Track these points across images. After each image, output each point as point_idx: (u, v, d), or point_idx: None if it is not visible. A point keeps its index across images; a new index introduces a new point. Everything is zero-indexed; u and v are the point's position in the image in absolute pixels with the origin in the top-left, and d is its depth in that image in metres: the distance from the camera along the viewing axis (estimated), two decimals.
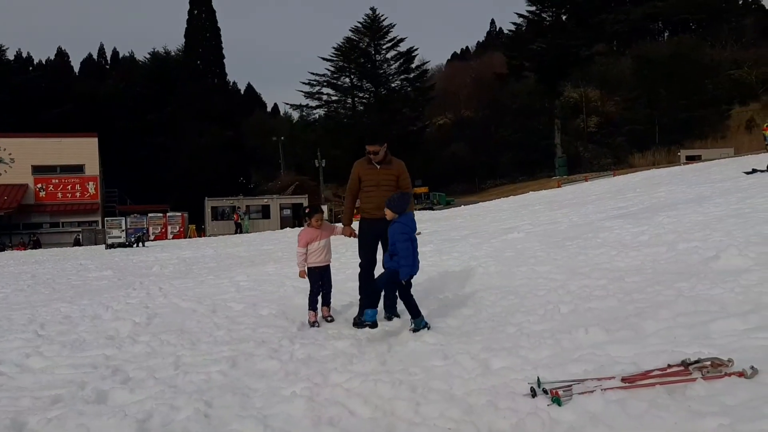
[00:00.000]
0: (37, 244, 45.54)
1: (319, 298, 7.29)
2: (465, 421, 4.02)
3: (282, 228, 44.88)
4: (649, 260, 8.35)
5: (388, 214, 6.34)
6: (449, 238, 14.61)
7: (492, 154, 74.06)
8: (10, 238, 50.99)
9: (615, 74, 76.83)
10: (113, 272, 15.35)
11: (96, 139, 58.54)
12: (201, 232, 52.23)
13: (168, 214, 53.14)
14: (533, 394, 4.35)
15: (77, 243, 46.68)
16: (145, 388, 5.13)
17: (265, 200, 56.30)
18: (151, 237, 47.89)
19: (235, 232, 46.85)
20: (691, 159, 58.75)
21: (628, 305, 6.25)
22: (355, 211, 7.37)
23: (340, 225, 7.39)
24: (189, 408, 4.54)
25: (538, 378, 4.52)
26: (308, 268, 7.25)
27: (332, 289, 7.42)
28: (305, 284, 7.40)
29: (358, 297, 7.05)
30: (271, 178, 79.50)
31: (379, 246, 7.00)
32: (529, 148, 72.56)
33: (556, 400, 4.17)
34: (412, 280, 6.59)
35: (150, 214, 52.29)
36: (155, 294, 9.97)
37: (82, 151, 57.91)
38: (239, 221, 49.66)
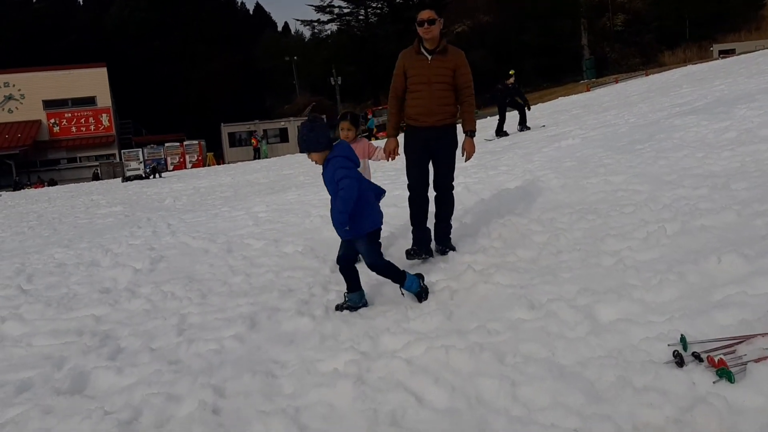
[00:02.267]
0: (52, 183, 44.61)
1: None
2: (595, 415, 2.69)
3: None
4: (750, 160, 6.83)
5: (314, 157, 4.39)
6: (490, 150, 13.09)
7: (514, 61, 70.75)
8: (29, 177, 50.19)
9: None
10: (123, 207, 14.15)
11: (105, 69, 56.61)
12: (220, 160, 50.97)
13: (185, 143, 51.77)
14: (679, 361, 3.00)
15: (96, 177, 45.72)
16: (137, 365, 3.89)
17: (282, 123, 54.53)
18: (170, 167, 46.79)
19: (254, 158, 45.52)
20: (725, 53, 55.68)
21: (755, 220, 4.80)
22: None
23: (380, 146, 5.85)
24: (192, 399, 3.28)
25: (683, 337, 3.16)
26: None
27: None
28: None
29: (410, 227, 5.62)
30: (286, 100, 77.38)
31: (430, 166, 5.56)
32: (552, 53, 69.21)
33: (726, 374, 2.82)
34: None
35: (167, 144, 50.92)
36: (163, 232, 8.69)
37: (93, 82, 56.13)
38: (257, 146, 48.22)
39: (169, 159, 49.22)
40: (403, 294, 4.51)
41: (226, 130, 53.26)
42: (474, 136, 5.45)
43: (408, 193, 5.59)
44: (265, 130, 52.28)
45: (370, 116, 47.95)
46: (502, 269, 4.76)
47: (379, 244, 4.64)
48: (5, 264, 7.65)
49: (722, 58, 48.71)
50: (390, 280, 4.54)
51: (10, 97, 53.74)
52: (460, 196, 7.61)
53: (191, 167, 46.67)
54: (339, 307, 4.52)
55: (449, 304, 4.27)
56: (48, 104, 54.63)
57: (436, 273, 5.00)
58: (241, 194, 13.88)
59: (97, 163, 50.90)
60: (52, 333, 4.76)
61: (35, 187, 41.70)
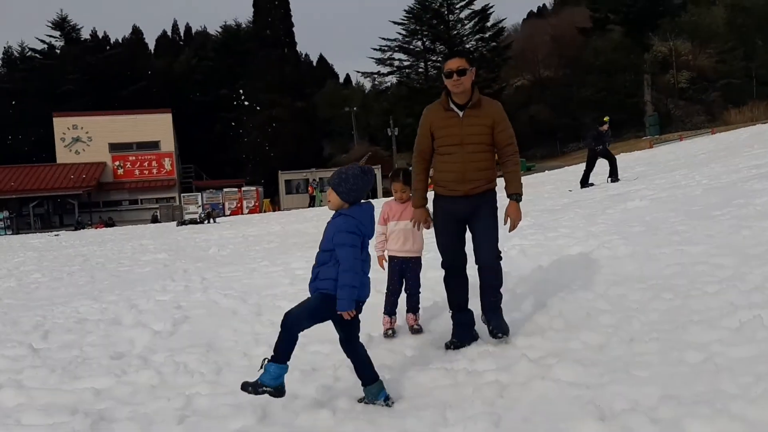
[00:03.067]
0: (110, 223, 45.45)
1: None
2: None
3: None
4: None
5: (332, 199, 3.80)
6: (548, 209, 12.30)
7: (574, 115, 69.71)
8: (90, 217, 51.39)
9: (707, 25, 71.03)
10: (167, 255, 13.82)
11: (170, 115, 58.12)
12: (275, 206, 51.32)
13: (243, 188, 52.66)
14: None
15: (155, 220, 46.43)
16: None
17: None
18: (227, 213, 47.28)
19: (309, 205, 45.63)
20: None
21: None
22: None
23: None
24: None
25: None
26: (389, 256, 5.26)
27: (420, 290, 5.33)
28: (381, 275, 5.33)
29: (448, 309, 4.88)
30: (344, 149, 78.03)
31: (467, 237, 4.74)
32: (614, 108, 67.94)
33: None
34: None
35: (225, 189, 51.98)
36: (195, 287, 8.19)
37: (157, 127, 57.63)
38: (314, 194, 48.49)
39: (226, 204, 49.99)
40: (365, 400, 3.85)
41: (283, 177, 53.86)
42: (520, 200, 4.56)
43: (442, 272, 4.81)
44: (321, 178, 52.53)
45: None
46: (563, 360, 3.99)
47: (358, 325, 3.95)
48: (28, 316, 7.25)
49: None
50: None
51: (77, 140, 55.52)
52: (515, 261, 6.91)
53: (248, 212, 47.06)
54: (363, 401, 3.84)
55: (498, 405, 3.53)
56: (113, 147, 56.15)
57: (483, 360, 4.26)
58: (286, 245, 13.39)
59: (157, 206, 51.89)
60: (45, 409, 4.20)
61: (96, 227, 42.57)
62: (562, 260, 6.76)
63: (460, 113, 4.49)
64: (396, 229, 5.12)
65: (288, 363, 3.72)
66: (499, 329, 4.52)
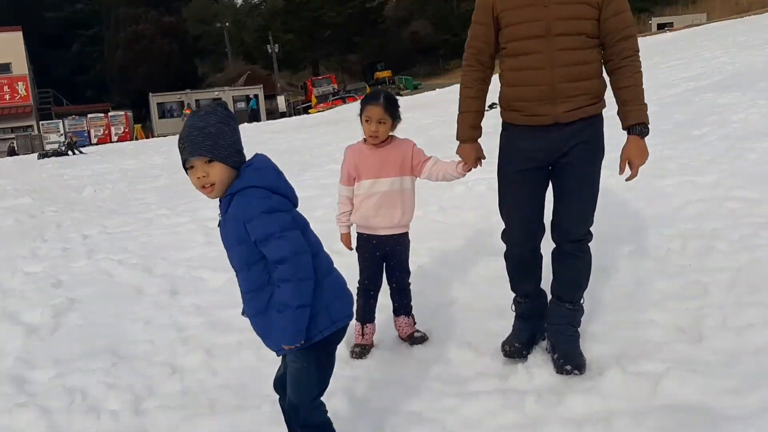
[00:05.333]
0: None
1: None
2: None
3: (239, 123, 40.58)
4: None
5: (216, 177, 2.04)
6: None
7: (455, 30, 69.09)
8: None
9: None
10: (32, 199, 11.49)
11: (20, 33, 51.89)
12: (149, 133, 47.61)
13: (110, 113, 48.59)
14: None
15: (12, 152, 41.78)
16: None
17: (216, 93, 51.44)
18: (93, 141, 43.36)
19: None
20: (662, 27, 55.76)
21: None
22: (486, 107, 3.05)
23: (450, 162, 3.18)
24: None
25: None
26: (358, 234, 3.35)
27: (410, 280, 3.43)
28: (346, 258, 3.55)
29: (512, 293, 3.15)
30: (218, 68, 73.96)
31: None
32: None
33: None
34: None
35: (90, 115, 47.70)
36: (77, 250, 6.32)
37: (6, 48, 51.24)
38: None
39: (92, 131, 46.10)
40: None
41: (154, 100, 49.98)
42: (647, 133, 2.82)
43: (505, 247, 3.08)
44: (197, 101, 49.12)
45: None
46: (668, 366, 2.72)
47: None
48: None
49: (669, 31, 48.32)
50: None
51: None
52: (484, 199, 5.63)
53: (117, 140, 43.41)
54: None
55: None
56: None
57: (546, 368, 2.94)
58: (179, 182, 11.48)
59: (13, 136, 46.90)
60: None
61: None
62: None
63: None
64: (373, 193, 3.17)
65: None
66: (569, 360, 2.86)
